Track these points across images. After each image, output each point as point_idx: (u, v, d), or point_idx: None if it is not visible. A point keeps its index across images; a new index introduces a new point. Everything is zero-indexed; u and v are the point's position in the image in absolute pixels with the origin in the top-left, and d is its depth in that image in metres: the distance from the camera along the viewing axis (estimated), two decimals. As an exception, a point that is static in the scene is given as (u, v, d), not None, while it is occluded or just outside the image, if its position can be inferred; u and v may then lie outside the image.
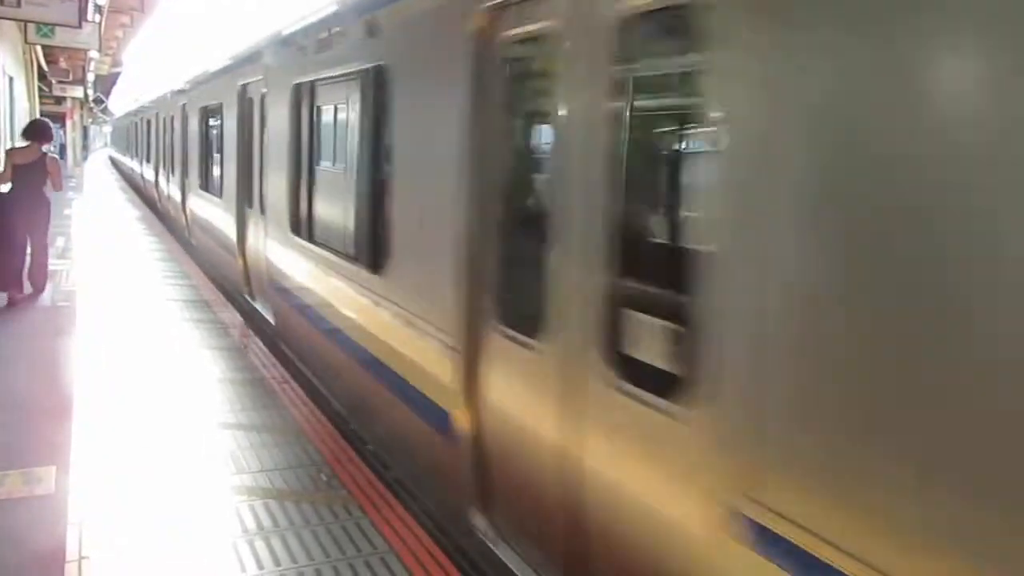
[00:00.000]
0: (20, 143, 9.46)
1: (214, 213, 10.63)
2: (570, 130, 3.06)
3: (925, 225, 1.77)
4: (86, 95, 38.28)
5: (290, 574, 3.48)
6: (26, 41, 16.07)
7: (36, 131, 9.01)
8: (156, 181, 18.41)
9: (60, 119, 31.07)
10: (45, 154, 8.80)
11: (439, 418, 3.99)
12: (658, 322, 2.70)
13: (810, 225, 2.04)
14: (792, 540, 2.05)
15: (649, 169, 3.06)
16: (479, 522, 3.78)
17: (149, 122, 20.64)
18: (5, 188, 8.54)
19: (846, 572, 1.91)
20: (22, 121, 15.93)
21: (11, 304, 8.37)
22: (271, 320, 7.75)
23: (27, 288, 8.72)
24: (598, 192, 2.86)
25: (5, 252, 8.39)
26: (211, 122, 11.24)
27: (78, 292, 9.10)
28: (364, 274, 4.96)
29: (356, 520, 3.99)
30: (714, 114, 2.40)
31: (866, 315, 1.89)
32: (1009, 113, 1.63)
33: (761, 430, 2.17)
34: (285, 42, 7.06)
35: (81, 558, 3.53)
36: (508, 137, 3.71)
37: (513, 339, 3.43)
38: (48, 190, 8.81)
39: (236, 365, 6.59)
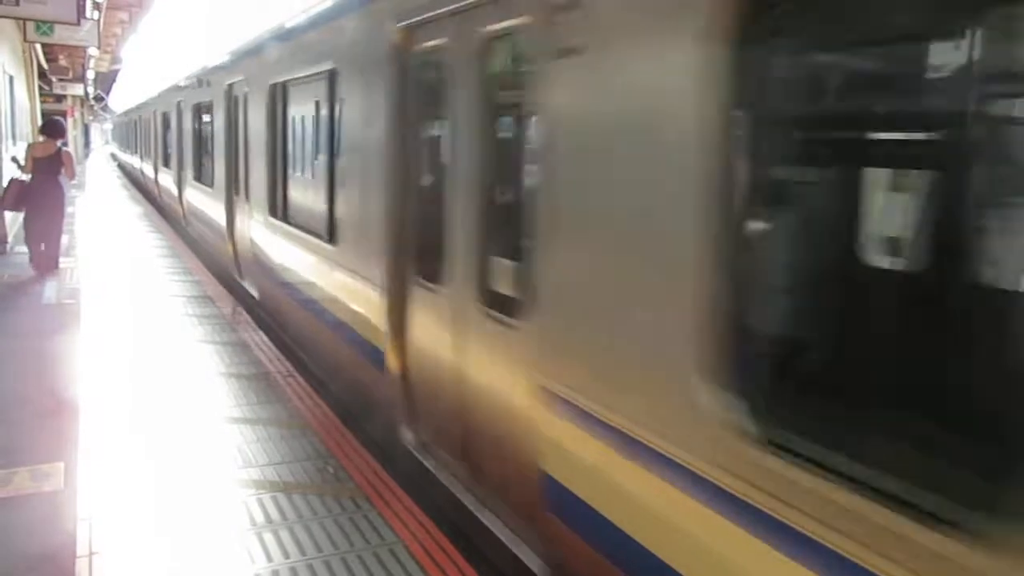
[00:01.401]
0: (39, 139, 11.01)
1: (207, 202, 11.34)
2: (455, 129, 3.93)
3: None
4: (86, 93, 38.26)
5: (300, 566, 3.50)
6: (25, 39, 16.02)
7: (52, 128, 10.62)
8: (156, 177, 18.67)
9: (61, 117, 31.06)
10: (60, 148, 10.26)
11: (376, 356, 4.88)
12: (508, 263, 3.58)
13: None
14: (573, 402, 2.97)
15: (497, 160, 3.75)
16: (406, 437, 4.63)
17: (148, 120, 20.93)
18: (27, 177, 10.13)
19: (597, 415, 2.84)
20: (22, 120, 15.96)
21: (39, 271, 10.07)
22: (255, 295, 8.70)
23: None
24: (473, 178, 3.79)
25: (35, 223, 10.08)
26: (204, 119, 11.80)
27: (83, 290, 9.12)
28: (325, 246, 5.90)
29: (364, 512, 4.00)
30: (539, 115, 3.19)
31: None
32: None
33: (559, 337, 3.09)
34: (260, 49, 7.86)
35: (92, 553, 3.55)
36: (419, 132, 4.48)
37: (425, 287, 4.35)
38: (63, 178, 10.27)
39: (241, 360, 6.61)
